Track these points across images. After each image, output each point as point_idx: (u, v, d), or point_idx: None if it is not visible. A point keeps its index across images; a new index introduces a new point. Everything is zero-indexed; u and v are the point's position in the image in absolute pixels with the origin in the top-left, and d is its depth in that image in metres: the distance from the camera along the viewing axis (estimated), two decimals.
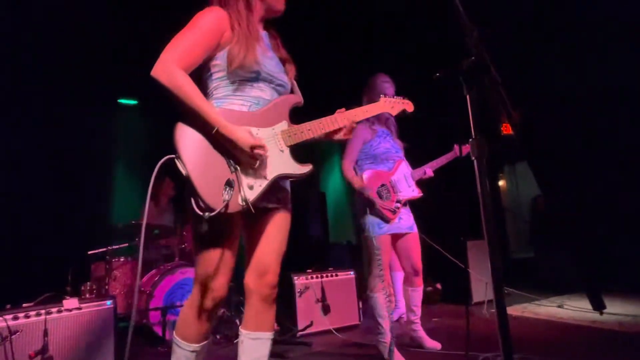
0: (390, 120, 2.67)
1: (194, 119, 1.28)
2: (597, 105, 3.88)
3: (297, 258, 4.81)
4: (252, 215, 1.41)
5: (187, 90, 1.25)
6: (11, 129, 3.80)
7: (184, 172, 1.24)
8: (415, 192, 2.56)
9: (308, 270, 3.40)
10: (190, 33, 1.33)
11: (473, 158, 1.10)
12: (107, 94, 4.94)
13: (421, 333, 2.61)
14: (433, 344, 2.56)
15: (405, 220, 2.50)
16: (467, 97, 1.13)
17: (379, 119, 2.62)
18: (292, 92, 1.57)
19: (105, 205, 5.07)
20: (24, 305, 2.38)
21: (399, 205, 2.47)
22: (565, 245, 4.55)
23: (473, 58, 1.06)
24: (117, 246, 3.71)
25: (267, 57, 1.45)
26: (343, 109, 1.58)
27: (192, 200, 1.25)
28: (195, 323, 1.36)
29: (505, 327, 1.03)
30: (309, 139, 1.47)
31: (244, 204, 1.28)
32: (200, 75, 1.43)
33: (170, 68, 1.25)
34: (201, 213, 1.23)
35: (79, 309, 2.50)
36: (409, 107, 1.87)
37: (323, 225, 5.37)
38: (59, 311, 2.40)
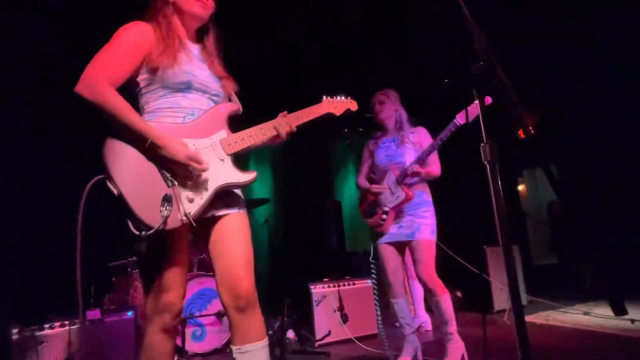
0: (405, 128, 2.57)
1: (124, 134, 1.21)
2: (618, 106, 3.77)
3: (313, 267, 4.83)
4: (202, 227, 1.36)
5: (114, 103, 1.19)
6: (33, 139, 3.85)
7: (115, 192, 1.17)
8: (399, 199, 2.42)
9: (325, 279, 3.38)
10: (113, 47, 1.29)
11: (485, 162, 1.09)
12: None
13: (448, 345, 2.34)
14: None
15: (406, 228, 2.44)
16: (477, 102, 1.13)
17: (391, 128, 2.59)
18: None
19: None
20: (49, 316, 2.45)
21: (385, 217, 2.48)
22: (588, 250, 4.40)
23: (482, 63, 1.06)
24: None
25: (198, 67, 1.40)
26: (285, 112, 1.54)
27: (129, 222, 1.18)
28: (159, 344, 1.32)
29: (523, 335, 1.01)
30: (251, 145, 1.42)
31: (185, 218, 1.22)
32: (132, 92, 1.38)
33: (94, 82, 1.19)
34: (138, 233, 1.17)
35: (101, 320, 2.57)
36: (353, 106, 1.77)
37: (339, 234, 5.34)
38: (82, 322, 2.46)
